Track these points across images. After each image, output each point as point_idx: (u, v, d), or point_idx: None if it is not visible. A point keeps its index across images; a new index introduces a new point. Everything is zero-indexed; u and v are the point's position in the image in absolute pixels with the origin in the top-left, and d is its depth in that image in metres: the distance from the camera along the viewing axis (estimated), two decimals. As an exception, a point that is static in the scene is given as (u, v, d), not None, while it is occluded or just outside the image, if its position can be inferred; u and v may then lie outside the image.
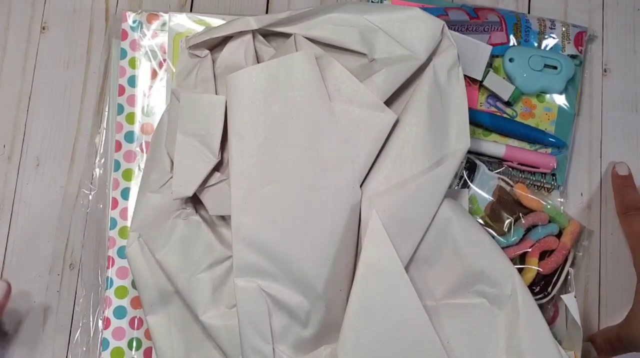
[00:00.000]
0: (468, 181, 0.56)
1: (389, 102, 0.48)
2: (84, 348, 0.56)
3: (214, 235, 0.49)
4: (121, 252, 0.56)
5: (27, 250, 0.58)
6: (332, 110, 0.47)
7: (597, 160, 0.61)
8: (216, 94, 0.51)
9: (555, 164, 0.58)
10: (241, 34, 0.51)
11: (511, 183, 0.57)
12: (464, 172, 0.56)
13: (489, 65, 0.59)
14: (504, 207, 0.56)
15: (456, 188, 0.56)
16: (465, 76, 0.53)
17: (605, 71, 0.62)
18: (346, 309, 0.47)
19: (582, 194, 0.60)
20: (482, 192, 0.56)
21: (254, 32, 0.51)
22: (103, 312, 0.56)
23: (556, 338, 0.49)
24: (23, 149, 0.60)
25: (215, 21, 0.59)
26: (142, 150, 0.58)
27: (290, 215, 0.46)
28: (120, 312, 0.55)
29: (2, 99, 0.61)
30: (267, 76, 0.47)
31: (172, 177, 0.50)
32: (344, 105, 0.47)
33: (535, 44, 0.60)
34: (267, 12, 0.63)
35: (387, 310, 0.46)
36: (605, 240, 0.59)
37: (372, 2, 0.60)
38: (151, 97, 0.59)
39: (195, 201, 0.51)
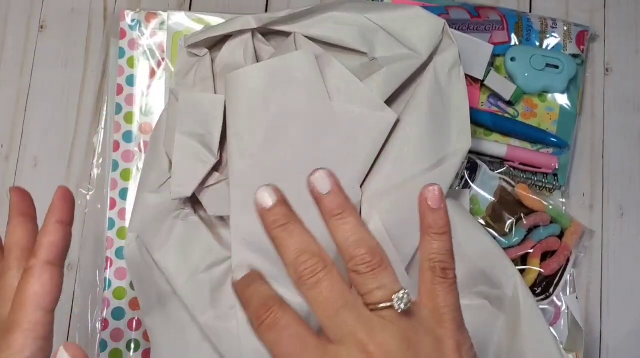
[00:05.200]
0: (469, 181, 0.56)
1: (389, 102, 0.48)
2: (82, 350, 0.56)
3: (212, 236, 0.49)
4: (119, 253, 0.56)
5: (25, 251, 0.58)
6: (332, 109, 0.47)
7: (599, 160, 0.60)
8: (215, 93, 0.51)
9: (557, 164, 0.57)
10: (240, 32, 0.51)
11: (513, 183, 0.57)
12: (465, 172, 0.56)
13: (490, 64, 0.59)
14: (506, 207, 0.56)
15: (457, 188, 0.55)
16: (467, 75, 0.53)
17: (607, 71, 0.62)
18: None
19: (584, 195, 0.60)
20: (483, 192, 0.56)
21: (253, 31, 0.51)
22: (101, 313, 0.55)
23: (558, 340, 0.48)
24: (21, 149, 0.60)
25: (215, 20, 0.59)
26: (140, 150, 0.58)
27: (289, 216, 0.46)
28: (118, 313, 0.55)
29: (0, 98, 0.61)
30: (267, 75, 0.47)
31: (170, 177, 0.49)
32: (344, 105, 0.47)
33: (537, 43, 0.60)
34: (266, 11, 0.63)
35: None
36: (608, 241, 0.59)
37: (372, 0, 0.60)
38: (150, 97, 0.58)
39: (194, 201, 0.50)
